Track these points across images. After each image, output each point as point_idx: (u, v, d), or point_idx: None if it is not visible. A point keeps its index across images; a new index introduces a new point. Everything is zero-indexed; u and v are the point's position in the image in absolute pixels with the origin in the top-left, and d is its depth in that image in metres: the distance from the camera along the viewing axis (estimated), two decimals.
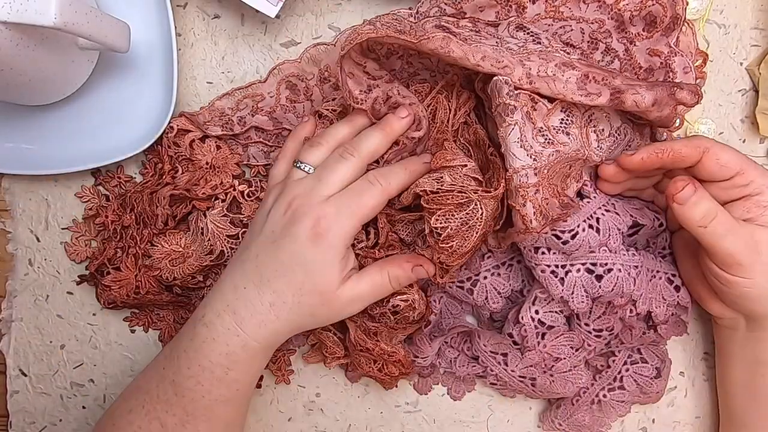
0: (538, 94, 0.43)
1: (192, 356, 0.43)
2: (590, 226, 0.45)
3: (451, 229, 0.43)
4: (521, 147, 0.42)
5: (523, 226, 0.43)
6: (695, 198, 0.41)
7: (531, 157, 0.42)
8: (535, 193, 0.42)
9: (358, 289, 0.44)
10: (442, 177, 0.43)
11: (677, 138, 0.50)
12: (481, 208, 0.42)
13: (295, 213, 0.43)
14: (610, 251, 0.45)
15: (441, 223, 0.43)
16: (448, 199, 0.42)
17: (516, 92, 0.42)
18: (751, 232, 0.42)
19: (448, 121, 0.46)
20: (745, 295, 0.43)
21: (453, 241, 0.43)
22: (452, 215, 0.42)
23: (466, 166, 0.43)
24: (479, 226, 0.43)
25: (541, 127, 0.43)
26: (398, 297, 0.46)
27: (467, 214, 0.42)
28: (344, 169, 0.44)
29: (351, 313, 0.45)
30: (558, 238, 0.45)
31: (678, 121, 0.50)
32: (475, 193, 0.42)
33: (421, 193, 0.43)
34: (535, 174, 0.42)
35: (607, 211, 0.46)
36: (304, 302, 0.43)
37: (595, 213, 0.45)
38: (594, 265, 0.45)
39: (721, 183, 0.43)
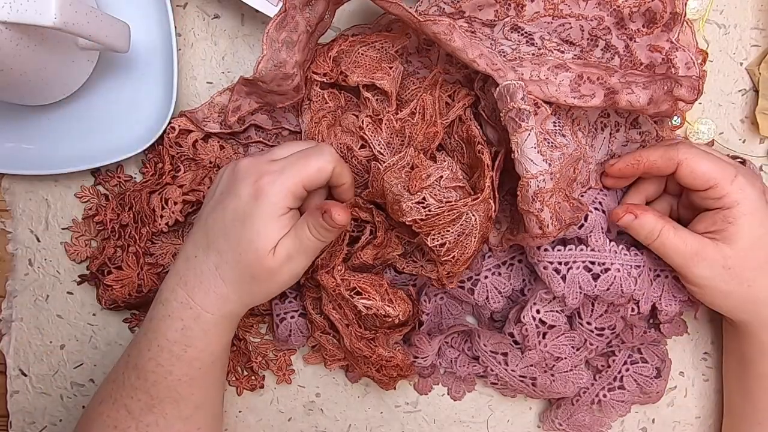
0: (537, 97, 0.43)
1: (151, 337, 0.43)
2: (596, 209, 0.46)
3: (449, 243, 0.43)
4: (538, 152, 0.41)
5: (540, 231, 0.42)
6: (636, 223, 0.44)
7: (546, 162, 0.42)
8: (551, 197, 0.42)
9: (287, 246, 0.43)
10: (424, 200, 0.42)
11: (677, 137, 0.50)
12: (473, 215, 0.42)
13: (239, 173, 0.43)
14: (611, 250, 0.45)
15: (438, 240, 0.43)
16: (439, 220, 0.42)
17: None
18: (697, 248, 0.43)
19: (437, 114, 0.46)
20: (701, 299, 0.46)
21: (454, 252, 0.43)
22: (446, 231, 0.42)
23: (442, 177, 0.43)
24: (476, 232, 0.43)
25: (540, 131, 0.43)
26: (361, 300, 0.46)
27: (461, 225, 0.42)
28: (297, 145, 0.45)
29: (291, 276, 0.44)
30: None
31: (678, 120, 0.50)
32: (464, 205, 0.42)
33: (410, 223, 0.43)
34: (551, 179, 0.42)
35: (606, 195, 0.48)
36: (242, 260, 0.42)
37: (596, 198, 0.47)
38: (593, 263, 0.45)
39: (699, 192, 0.44)
